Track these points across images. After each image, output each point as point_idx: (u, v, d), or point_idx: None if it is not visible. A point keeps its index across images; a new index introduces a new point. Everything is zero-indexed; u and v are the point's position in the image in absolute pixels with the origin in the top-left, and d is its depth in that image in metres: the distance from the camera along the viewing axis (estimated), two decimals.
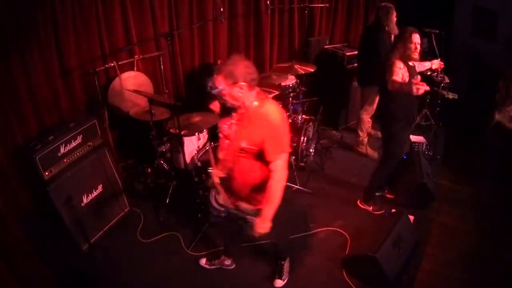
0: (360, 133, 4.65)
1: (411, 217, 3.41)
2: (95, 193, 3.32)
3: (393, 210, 3.50)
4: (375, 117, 5.12)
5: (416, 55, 3.18)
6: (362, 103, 4.64)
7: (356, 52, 4.91)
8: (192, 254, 3.22)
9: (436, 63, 3.68)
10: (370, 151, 4.65)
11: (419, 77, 2.97)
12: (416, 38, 3.13)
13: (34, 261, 2.70)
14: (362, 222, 3.53)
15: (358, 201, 3.67)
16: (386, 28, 4.20)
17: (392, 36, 4.27)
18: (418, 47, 3.15)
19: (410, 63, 3.20)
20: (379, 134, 4.92)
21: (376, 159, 4.58)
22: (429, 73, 4.75)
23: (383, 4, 4.24)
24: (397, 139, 3.36)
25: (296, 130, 4.10)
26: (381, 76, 3.20)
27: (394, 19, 4.22)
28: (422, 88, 2.73)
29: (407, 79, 3.07)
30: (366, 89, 4.51)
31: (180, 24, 4.20)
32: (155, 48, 4.09)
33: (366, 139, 4.68)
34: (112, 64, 3.72)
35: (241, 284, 2.99)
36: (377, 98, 4.44)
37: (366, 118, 4.61)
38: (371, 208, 3.68)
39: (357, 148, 4.72)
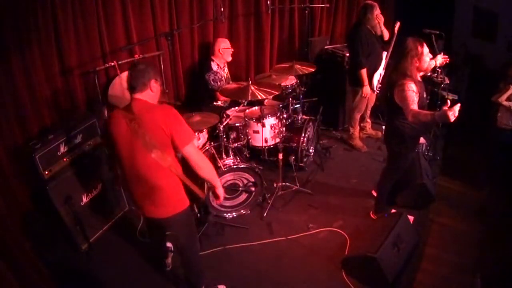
0: (351, 128, 4.84)
1: (411, 218, 3.42)
2: (94, 193, 3.33)
3: (393, 211, 3.51)
4: (374, 118, 5.16)
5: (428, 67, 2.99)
6: (353, 102, 4.76)
7: None
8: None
9: (439, 59, 3.43)
10: (359, 144, 4.82)
11: (448, 102, 2.51)
12: (427, 49, 2.87)
13: (34, 261, 2.70)
14: (362, 222, 3.53)
15: (371, 213, 3.63)
16: (367, 26, 4.22)
17: (374, 32, 4.28)
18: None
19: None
20: (379, 134, 4.95)
21: (365, 152, 4.74)
22: (429, 73, 4.74)
23: (367, 2, 4.25)
24: (406, 157, 3.20)
25: (296, 130, 4.10)
26: (389, 96, 2.91)
27: (377, 17, 4.19)
28: (457, 111, 2.40)
29: (417, 99, 2.77)
30: (352, 88, 4.67)
31: (180, 24, 4.20)
32: (156, 48, 4.09)
33: (356, 133, 4.84)
34: (112, 64, 3.72)
35: (240, 283, 2.99)
36: (363, 98, 4.49)
37: (356, 115, 4.73)
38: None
39: (349, 141, 4.90)
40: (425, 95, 3.02)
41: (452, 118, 2.41)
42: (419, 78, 2.94)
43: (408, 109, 2.70)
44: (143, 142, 2.13)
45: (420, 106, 2.82)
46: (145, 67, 2.26)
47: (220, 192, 2.44)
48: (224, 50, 4.27)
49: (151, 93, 2.26)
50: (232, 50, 4.36)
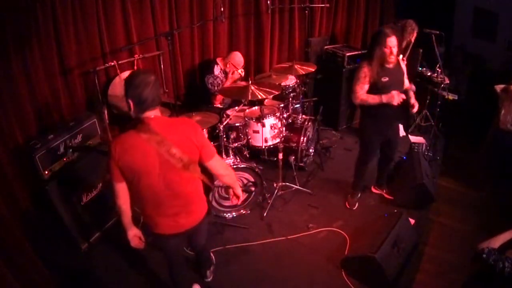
0: None
1: (411, 219, 3.41)
2: (94, 192, 3.32)
3: (394, 211, 3.50)
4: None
5: (392, 59, 3.03)
6: None
7: (356, 53, 5.01)
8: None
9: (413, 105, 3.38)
10: None
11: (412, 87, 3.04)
12: (391, 42, 2.95)
13: (34, 261, 2.70)
14: (362, 222, 3.53)
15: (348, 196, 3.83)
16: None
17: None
18: (394, 51, 2.98)
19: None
20: None
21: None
22: (429, 73, 4.76)
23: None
24: (365, 134, 3.46)
25: (296, 130, 4.10)
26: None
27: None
28: (402, 97, 3.01)
29: (368, 82, 3.09)
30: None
31: (180, 24, 4.20)
32: (156, 48, 4.09)
33: None
34: (112, 63, 3.72)
35: (240, 283, 2.99)
36: None
37: None
38: (359, 195, 3.83)
39: None
40: (396, 80, 3.15)
41: (396, 102, 2.99)
42: (388, 65, 3.08)
43: (356, 95, 3.13)
44: (179, 161, 2.05)
45: (380, 87, 3.06)
46: (155, 77, 2.04)
47: (239, 192, 2.45)
48: (232, 66, 4.22)
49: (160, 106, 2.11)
50: (240, 74, 4.25)
